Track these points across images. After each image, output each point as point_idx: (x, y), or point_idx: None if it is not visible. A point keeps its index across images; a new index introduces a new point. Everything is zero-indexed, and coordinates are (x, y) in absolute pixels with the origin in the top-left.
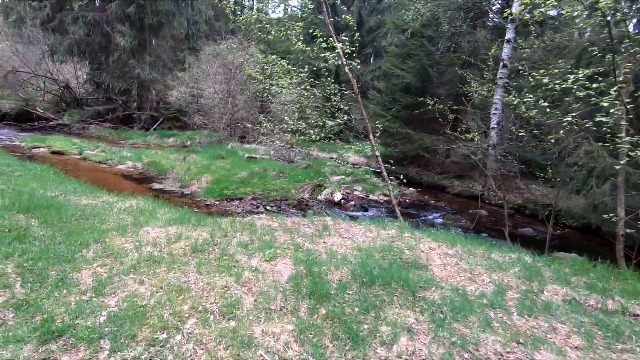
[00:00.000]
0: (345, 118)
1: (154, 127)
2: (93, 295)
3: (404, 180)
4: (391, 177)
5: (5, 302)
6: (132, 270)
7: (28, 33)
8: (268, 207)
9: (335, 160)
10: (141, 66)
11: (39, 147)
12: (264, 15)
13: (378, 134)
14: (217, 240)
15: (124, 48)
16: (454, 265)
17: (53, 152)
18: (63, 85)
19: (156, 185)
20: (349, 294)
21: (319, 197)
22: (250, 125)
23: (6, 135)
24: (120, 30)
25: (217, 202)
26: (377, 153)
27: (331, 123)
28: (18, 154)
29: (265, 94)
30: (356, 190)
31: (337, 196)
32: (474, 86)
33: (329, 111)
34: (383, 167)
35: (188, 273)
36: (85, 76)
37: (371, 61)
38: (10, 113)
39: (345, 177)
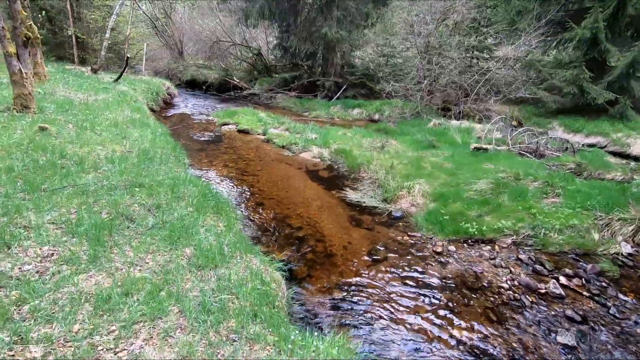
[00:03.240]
0: None
1: (337, 95)
2: None
3: None
4: None
5: None
6: None
7: (230, 5)
8: (562, 279)
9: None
10: (328, 24)
11: (228, 124)
12: None
13: None
14: None
15: (312, 5)
16: None
17: (239, 131)
18: (255, 52)
19: (350, 195)
20: None
21: None
22: (461, 93)
23: (208, 106)
24: None
25: (453, 247)
26: None
27: None
28: (208, 133)
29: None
30: None
31: None
32: None
33: None
34: None
35: None
36: (275, 41)
37: None
38: (214, 83)
39: None
